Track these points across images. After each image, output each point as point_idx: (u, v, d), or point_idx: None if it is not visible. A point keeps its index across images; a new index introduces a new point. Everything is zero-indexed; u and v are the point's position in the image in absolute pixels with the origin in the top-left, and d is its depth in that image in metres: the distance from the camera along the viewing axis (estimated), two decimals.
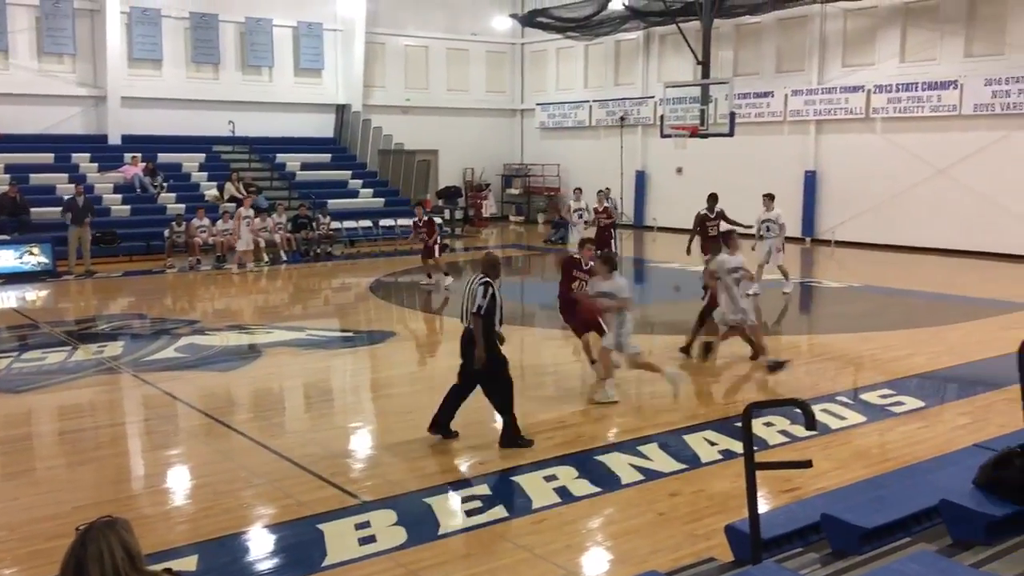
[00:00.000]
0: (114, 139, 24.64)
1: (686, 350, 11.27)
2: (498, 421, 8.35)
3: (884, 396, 9.42)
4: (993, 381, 9.86)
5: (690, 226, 15.71)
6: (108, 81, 24.33)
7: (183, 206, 22.15)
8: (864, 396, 9.49)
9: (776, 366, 10.48)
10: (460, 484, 7.05)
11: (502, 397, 7.92)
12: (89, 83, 24.58)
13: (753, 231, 15.90)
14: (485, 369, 7.81)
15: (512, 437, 7.84)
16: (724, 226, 15.28)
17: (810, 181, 24.69)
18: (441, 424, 8.03)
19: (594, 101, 30.07)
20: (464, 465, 7.49)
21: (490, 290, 7.78)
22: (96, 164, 23.37)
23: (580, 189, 22.19)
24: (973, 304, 15.07)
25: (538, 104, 32.05)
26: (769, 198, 16.11)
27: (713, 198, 15.44)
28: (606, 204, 18.69)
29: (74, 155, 23.38)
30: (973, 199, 21.34)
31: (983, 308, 14.63)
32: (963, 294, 16.12)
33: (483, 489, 6.82)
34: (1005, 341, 11.28)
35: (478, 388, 8.07)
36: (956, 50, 21.76)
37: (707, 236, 15.01)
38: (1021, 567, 3.63)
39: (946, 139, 21.92)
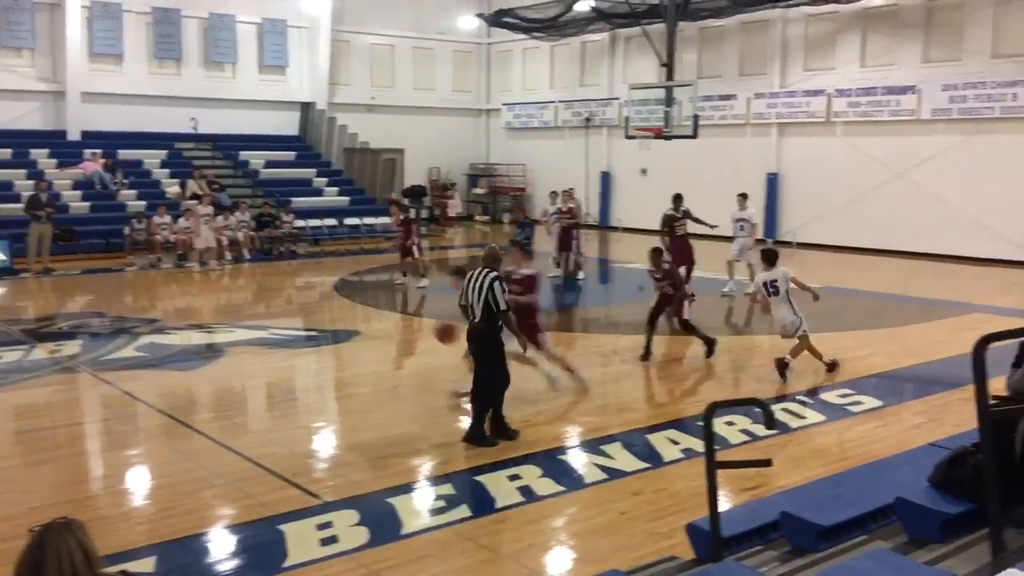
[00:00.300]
0: (74, 135, 24.27)
1: (645, 358, 11.25)
2: (462, 420, 8.37)
3: (843, 396, 9.55)
4: (948, 381, 10.03)
5: (655, 227, 15.81)
6: (68, 76, 23.96)
7: (144, 203, 21.86)
8: (823, 395, 9.61)
9: (833, 366, 10.47)
10: (423, 484, 7.05)
11: (494, 392, 8.00)
12: (48, 78, 24.17)
13: (718, 231, 16.04)
14: (491, 361, 7.96)
15: (480, 434, 7.89)
16: (691, 225, 15.41)
17: (772, 183, 24.96)
18: (502, 429, 8.02)
19: (560, 102, 30.16)
20: (427, 465, 7.48)
21: (503, 285, 7.94)
22: (55, 160, 22.99)
23: (556, 192, 22.25)
24: (930, 305, 15.32)
25: (504, 104, 32.07)
26: (743, 197, 16.35)
27: (678, 198, 15.54)
28: (570, 204, 18.71)
29: (32, 151, 22.98)
30: (930, 202, 21.70)
31: (939, 309, 14.89)
32: (920, 295, 16.39)
33: (447, 489, 6.81)
34: (960, 341, 11.46)
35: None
36: (915, 56, 22.12)
37: (675, 236, 15.10)
38: (975, 564, 3.70)
39: (905, 143, 22.27)
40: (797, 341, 10.40)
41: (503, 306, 7.87)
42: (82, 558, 2.76)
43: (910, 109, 21.96)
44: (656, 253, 11.49)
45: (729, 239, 16.32)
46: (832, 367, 10.50)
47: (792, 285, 10.52)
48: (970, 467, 4.32)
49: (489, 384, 8.00)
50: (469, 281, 8.07)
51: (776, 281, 10.47)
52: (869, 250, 22.40)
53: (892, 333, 13.15)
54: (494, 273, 7.97)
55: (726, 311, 15.26)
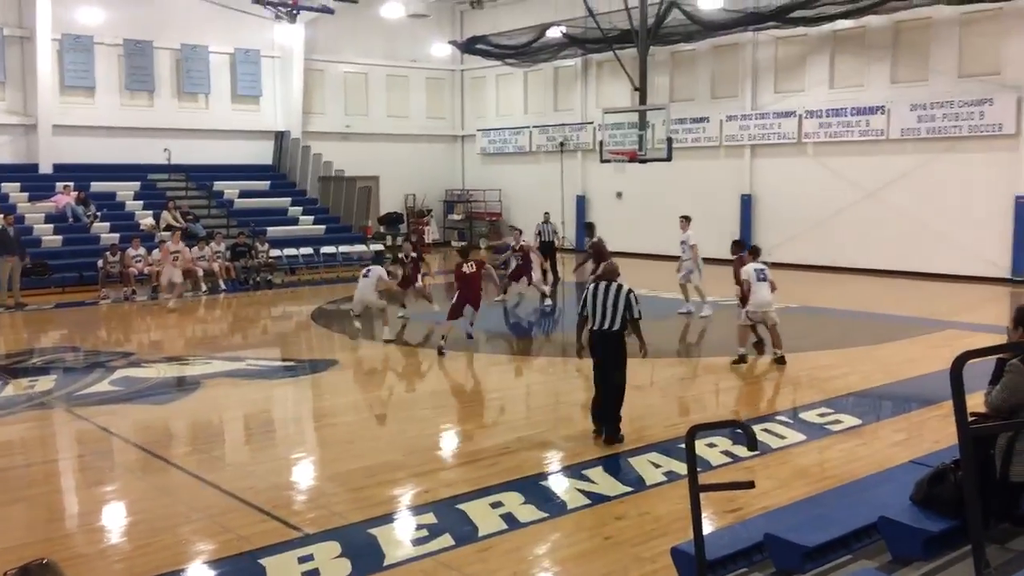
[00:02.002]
0: (45, 168, 24.08)
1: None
2: (443, 448, 8.33)
3: (822, 415, 9.59)
4: (926, 398, 10.11)
5: (632, 250, 15.91)
6: (39, 109, 23.82)
7: (117, 236, 21.69)
8: (803, 415, 9.64)
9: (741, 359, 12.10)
10: (405, 513, 6.99)
11: (621, 393, 8.80)
12: (19, 111, 24.02)
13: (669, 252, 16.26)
14: (623, 365, 8.77)
15: (618, 430, 8.66)
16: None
17: (746, 204, 25.16)
18: (612, 431, 8.66)
19: (534, 127, 30.32)
20: (409, 494, 7.41)
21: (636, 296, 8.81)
22: (26, 194, 22.79)
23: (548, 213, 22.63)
24: (904, 323, 15.46)
25: (479, 130, 32.21)
26: (684, 220, 16.55)
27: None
28: (522, 243, 18.55)
29: (3, 184, 22.76)
30: (902, 220, 21.95)
31: (914, 326, 15.01)
32: (895, 313, 16.55)
33: (428, 518, 6.75)
34: (936, 358, 11.60)
35: None
36: (883, 77, 22.45)
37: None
38: None
39: (875, 162, 22.55)
40: (774, 321, 12.23)
41: (637, 315, 8.70)
42: None
43: (879, 129, 22.26)
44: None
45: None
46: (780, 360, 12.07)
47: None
48: (951, 484, 4.35)
49: (622, 385, 8.80)
50: (596, 293, 8.69)
51: (764, 269, 12.31)
52: (843, 269, 22.61)
53: (868, 351, 13.24)
54: (628, 286, 8.75)
55: (699, 333, 15.31)
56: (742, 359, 12.15)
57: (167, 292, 19.61)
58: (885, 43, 22.30)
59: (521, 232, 19.44)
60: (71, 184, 23.20)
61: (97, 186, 23.98)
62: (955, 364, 3.43)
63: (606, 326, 8.66)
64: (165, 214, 23.17)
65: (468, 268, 13.79)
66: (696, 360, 12.94)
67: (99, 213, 23.01)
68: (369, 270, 14.99)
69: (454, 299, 13.65)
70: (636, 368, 12.35)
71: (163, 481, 7.82)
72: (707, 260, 16.62)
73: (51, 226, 22.06)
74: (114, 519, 7.09)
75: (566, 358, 13.39)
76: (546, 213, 22.81)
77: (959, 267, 20.99)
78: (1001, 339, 4.86)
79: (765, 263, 12.91)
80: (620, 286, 8.77)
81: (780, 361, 12.08)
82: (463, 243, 20.20)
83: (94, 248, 21.15)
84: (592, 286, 8.91)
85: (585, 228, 20.56)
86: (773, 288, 12.38)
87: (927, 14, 21.10)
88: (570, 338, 15.48)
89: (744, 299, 12.52)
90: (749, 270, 12.40)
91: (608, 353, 8.75)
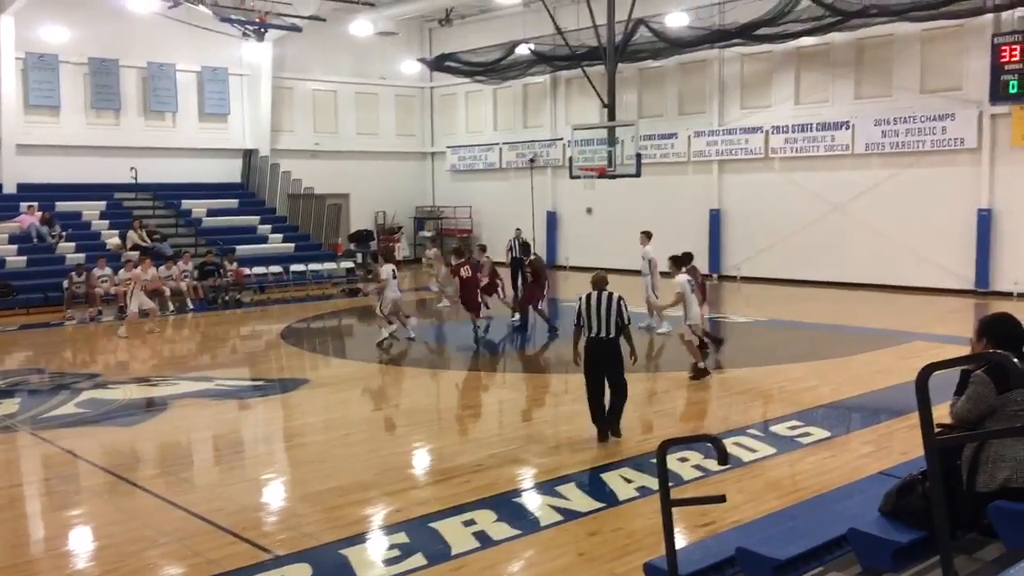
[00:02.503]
0: (9, 188, 23.82)
1: None
2: (415, 467, 8.30)
3: (792, 427, 9.65)
4: (894, 409, 10.21)
5: (602, 265, 15.88)
6: (2, 128, 23.57)
7: (83, 255, 21.44)
8: (773, 428, 9.70)
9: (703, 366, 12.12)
10: (377, 533, 6.94)
11: (626, 393, 9.23)
12: None
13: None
14: (622, 367, 9.18)
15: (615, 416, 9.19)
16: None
17: (715, 219, 25.38)
18: (607, 427, 9.16)
19: (504, 143, 30.41)
20: (380, 513, 7.36)
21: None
22: None
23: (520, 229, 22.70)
24: (871, 335, 15.63)
25: (448, 147, 32.25)
26: (644, 235, 16.74)
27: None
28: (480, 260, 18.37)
29: None
30: (868, 234, 22.24)
31: (881, 338, 15.18)
32: (862, 325, 16.73)
33: (400, 537, 6.71)
34: (903, 370, 11.73)
35: None
36: (847, 92, 22.78)
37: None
38: None
39: (841, 177, 22.84)
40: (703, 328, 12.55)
41: (628, 321, 9.13)
42: None
43: (844, 144, 22.56)
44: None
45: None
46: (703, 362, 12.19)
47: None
48: (919, 495, 4.38)
49: (625, 386, 9.23)
50: (590, 302, 9.07)
51: (692, 280, 12.40)
52: (810, 282, 22.84)
53: (836, 364, 13.36)
54: (619, 294, 9.15)
55: (664, 348, 15.38)
56: (702, 372, 12.05)
57: (137, 319, 18.88)
58: (849, 60, 22.65)
59: (485, 248, 19.35)
60: (35, 204, 22.94)
61: (62, 206, 23.74)
62: (920, 376, 3.47)
63: (603, 333, 9.05)
64: (131, 233, 22.95)
65: (465, 272, 15.17)
66: (666, 374, 12.97)
67: (64, 233, 22.75)
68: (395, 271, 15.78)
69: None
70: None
71: (131, 504, 7.71)
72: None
73: (15, 247, 21.78)
74: (81, 544, 6.98)
75: (537, 374, 13.41)
76: (517, 229, 22.85)
77: (925, 279, 21.28)
78: (966, 350, 4.92)
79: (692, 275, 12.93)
80: (611, 294, 9.16)
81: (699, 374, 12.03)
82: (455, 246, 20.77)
83: (59, 268, 20.89)
84: (586, 295, 9.20)
85: (521, 247, 20.72)
86: (703, 299, 12.76)
87: (889, 31, 21.47)
88: (542, 354, 15.54)
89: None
90: (683, 281, 12.27)
91: (608, 359, 9.12)
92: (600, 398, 9.21)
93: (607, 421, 9.20)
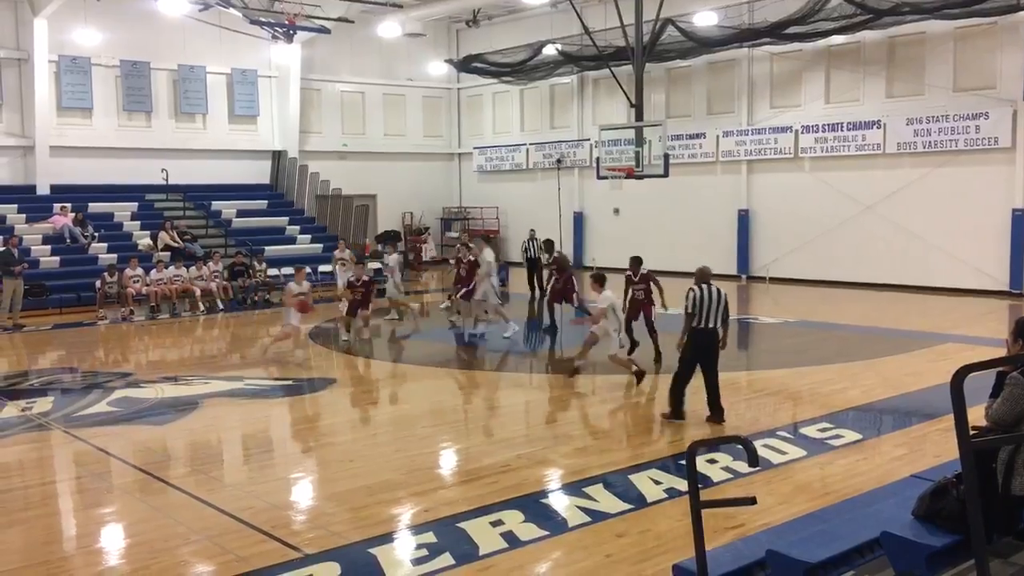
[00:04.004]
0: (43, 189, 24.15)
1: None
2: (442, 467, 8.31)
3: (823, 430, 9.56)
4: (927, 412, 10.09)
5: (626, 266, 15.75)
6: (36, 130, 23.90)
7: (115, 256, 21.71)
8: (803, 430, 9.62)
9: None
10: (405, 532, 6.95)
11: (717, 378, 9.90)
12: (17, 133, 24.10)
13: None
14: (717, 356, 9.86)
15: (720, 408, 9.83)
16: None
17: (743, 219, 25.21)
18: (680, 412, 9.87)
19: (531, 144, 30.41)
20: (408, 513, 7.38)
21: None
22: (24, 215, 22.83)
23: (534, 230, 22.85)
24: (903, 337, 15.45)
25: (475, 148, 32.29)
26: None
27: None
28: (470, 257, 17.90)
29: (1, 206, 22.80)
30: (899, 234, 22.00)
31: (913, 340, 15.00)
32: (893, 327, 16.54)
33: (429, 537, 6.72)
34: (936, 372, 11.60)
35: None
36: (878, 91, 22.55)
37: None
38: None
39: (872, 177, 22.62)
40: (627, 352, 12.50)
41: (732, 315, 9.95)
42: None
43: (875, 143, 22.33)
44: (635, 261, 13.84)
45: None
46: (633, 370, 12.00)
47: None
48: (953, 498, 4.33)
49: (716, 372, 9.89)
50: (702, 295, 9.61)
51: (644, 287, 12.91)
52: (841, 283, 22.63)
53: (867, 365, 13.23)
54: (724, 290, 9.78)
55: None
56: (640, 374, 11.87)
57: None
58: (880, 58, 22.41)
59: (470, 247, 18.83)
60: (68, 205, 23.25)
61: (95, 207, 24.03)
62: (955, 378, 3.42)
63: (711, 324, 9.68)
64: (163, 234, 23.20)
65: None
66: (697, 376, 12.90)
67: (97, 234, 23.04)
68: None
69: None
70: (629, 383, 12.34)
71: (162, 502, 7.78)
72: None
73: (49, 247, 22.08)
74: (112, 541, 7.05)
75: (563, 375, 13.37)
76: (531, 230, 22.91)
77: (957, 280, 21.02)
78: (1000, 352, 4.85)
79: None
80: (719, 289, 9.78)
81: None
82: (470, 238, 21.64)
83: (92, 269, 21.16)
84: (698, 288, 9.72)
85: (544, 245, 20.74)
86: (661, 302, 13.52)
87: (922, 29, 21.22)
88: (560, 354, 15.50)
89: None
90: (612, 298, 11.91)
91: (713, 348, 9.81)
92: (686, 386, 9.92)
93: (713, 413, 9.87)
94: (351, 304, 16.36)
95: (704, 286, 9.72)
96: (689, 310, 9.72)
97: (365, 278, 16.71)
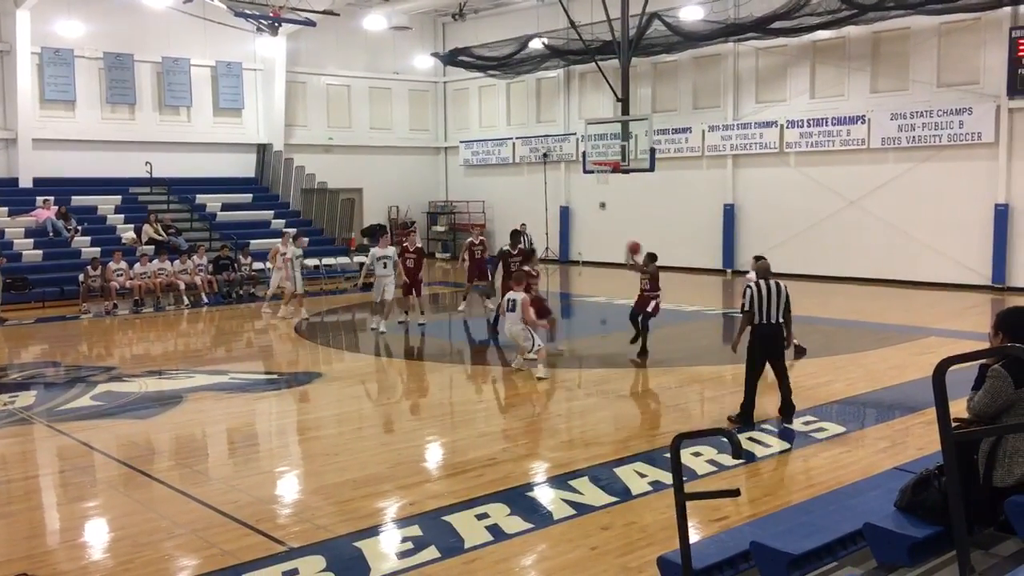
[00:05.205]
0: (25, 182, 23.95)
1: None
2: (428, 460, 8.30)
3: (807, 423, 9.62)
4: (909, 405, 10.16)
5: (617, 260, 15.85)
6: (19, 123, 23.71)
7: (98, 249, 21.55)
8: (788, 423, 9.66)
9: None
10: (390, 526, 6.95)
11: (787, 373, 9.77)
12: None
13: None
14: (783, 352, 9.74)
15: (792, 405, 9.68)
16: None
17: (729, 214, 25.28)
18: (753, 411, 9.61)
19: (517, 138, 30.38)
20: (394, 506, 7.38)
21: None
22: (6, 208, 22.65)
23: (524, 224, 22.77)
24: (887, 330, 15.54)
25: (462, 141, 32.24)
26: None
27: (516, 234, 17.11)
28: (417, 245, 17.88)
29: None
30: (883, 229, 22.12)
31: (896, 334, 15.10)
32: (877, 321, 16.63)
33: (414, 530, 6.72)
34: (918, 366, 11.68)
35: None
36: (863, 86, 22.65)
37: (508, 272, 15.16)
38: None
39: (856, 172, 22.72)
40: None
41: (791, 310, 9.65)
42: None
43: (860, 138, 22.43)
44: (650, 257, 13.69)
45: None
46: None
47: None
48: (935, 490, 4.36)
49: (786, 367, 9.79)
50: (760, 290, 9.46)
51: (515, 301, 12.21)
52: (825, 277, 22.73)
53: (851, 359, 13.30)
54: (783, 282, 9.65)
55: (685, 342, 15.35)
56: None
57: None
58: (865, 53, 22.50)
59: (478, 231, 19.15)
60: (51, 198, 23.08)
61: (78, 200, 23.87)
62: (937, 370, 3.44)
63: (772, 320, 9.53)
64: (147, 227, 23.07)
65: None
66: (681, 369, 12.95)
67: (80, 227, 22.88)
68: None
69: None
70: (623, 377, 12.38)
71: (146, 496, 7.75)
72: (689, 270, 16.66)
73: (31, 240, 21.92)
74: (96, 535, 7.02)
75: (549, 369, 13.38)
76: (522, 224, 22.87)
77: (941, 275, 21.16)
78: (983, 346, 4.88)
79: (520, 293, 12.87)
80: (778, 284, 9.65)
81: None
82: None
83: (75, 262, 21.03)
84: (755, 284, 9.63)
85: (511, 236, 20.16)
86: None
87: (906, 24, 21.33)
88: (553, 349, 15.53)
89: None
90: (509, 298, 12.48)
91: (775, 344, 9.64)
92: (757, 382, 9.68)
93: (784, 408, 9.73)
94: (409, 282, 16.60)
95: (762, 282, 9.61)
96: (746, 307, 9.63)
97: (418, 245, 17.43)
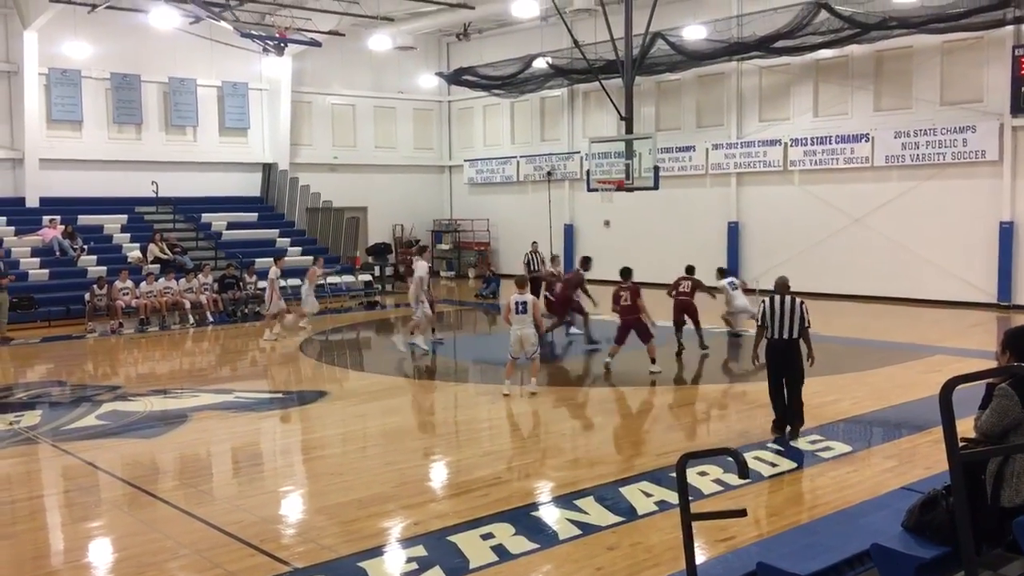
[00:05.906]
0: (32, 202, 24.06)
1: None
2: (433, 480, 8.28)
3: (813, 442, 9.58)
4: (916, 424, 10.12)
5: (618, 279, 15.81)
6: (26, 143, 23.84)
7: (104, 268, 21.63)
8: (794, 442, 9.62)
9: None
10: (395, 546, 6.92)
11: (799, 389, 9.69)
12: (6, 145, 24.04)
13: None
14: (801, 366, 9.64)
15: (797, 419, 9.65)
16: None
17: (733, 232, 25.29)
18: (785, 422, 9.65)
19: (521, 157, 30.47)
20: (399, 526, 7.35)
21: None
22: (13, 227, 22.74)
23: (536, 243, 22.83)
24: (892, 349, 15.50)
25: (466, 160, 32.34)
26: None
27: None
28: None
29: None
30: (888, 247, 22.10)
31: (902, 352, 15.05)
32: (882, 339, 16.59)
33: (419, 551, 6.69)
34: (925, 384, 11.64)
35: None
36: (866, 105, 22.69)
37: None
38: None
39: (860, 190, 22.73)
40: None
41: (808, 324, 9.63)
42: None
43: (864, 156, 22.46)
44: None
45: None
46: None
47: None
48: (942, 510, 4.34)
49: (800, 382, 9.69)
50: (774, 305, 9.57)
51: (526, 303, 12.17)
52: (830, 295, 22.68)
53: (857, 377, 13.26)
54: (800, 298, 9.62)
55: (692, 362, 15.32)
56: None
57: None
58: (868, 72, 22.56)
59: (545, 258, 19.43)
60: (58, 218, 23.18)
61: (84, 219, 23.96)
62: (944, 390, 3.43)
63: (786, 335, 9.54)
64: (152, 247, 23.14)
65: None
66: (689, 388, 12.92)
67: (86, 246, 22.96)
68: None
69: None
70: (628, 395, 12.36)
71: (150, 516, 7.73)
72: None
73: (38, 259, 21.99)
74: (101, 555, 7.01)
75: (552, 387, 13.35)
76: (534, 243, 22.89)
77: (945, 293, 21.12)
78: (990, 364, 4.87)
79: (528, 294, 12.88)
80: (794, 298, 9.65)
81: None
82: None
83: (81, 281, 21.08)
84: (769, 299, 9.77)
85: (582, 261, 20.00)
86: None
87: (909, 43, 21.39)
88: (558, 366, 15.50)
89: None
90: (513, 301, 12.39)
91: (789, 359, 9.59)
92: (781, 394, 9.70)
93: (791, 421, 9.68)
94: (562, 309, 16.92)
95: (776, 297, 9.71)
96: (759, 322, 9.84)
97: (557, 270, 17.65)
